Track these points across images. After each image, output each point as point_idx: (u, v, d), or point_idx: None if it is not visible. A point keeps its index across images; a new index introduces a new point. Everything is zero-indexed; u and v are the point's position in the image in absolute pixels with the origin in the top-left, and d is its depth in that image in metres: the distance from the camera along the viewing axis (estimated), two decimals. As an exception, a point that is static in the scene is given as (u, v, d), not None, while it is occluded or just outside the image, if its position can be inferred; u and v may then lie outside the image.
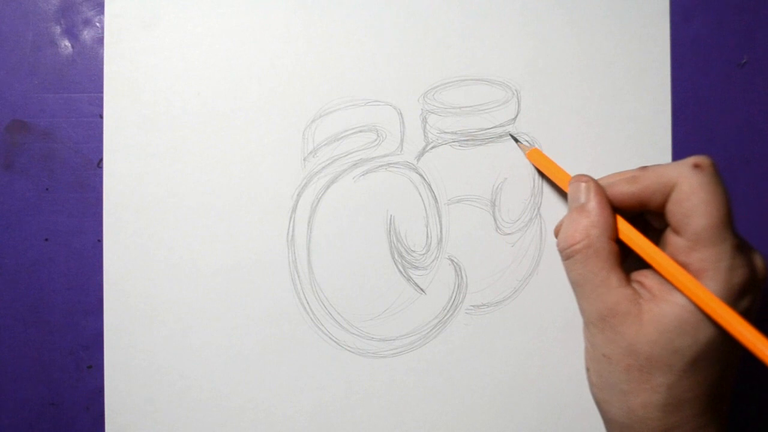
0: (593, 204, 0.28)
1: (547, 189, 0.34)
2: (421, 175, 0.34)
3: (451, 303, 0.34)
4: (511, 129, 0.34)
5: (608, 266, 0.27)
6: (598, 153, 0.34)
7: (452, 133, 0.34)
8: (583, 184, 0.29)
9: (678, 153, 0.34)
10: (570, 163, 0.34)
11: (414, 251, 0.34)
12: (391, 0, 0.34)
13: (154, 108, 0.34)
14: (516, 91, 0.34)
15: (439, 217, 0.34)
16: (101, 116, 0.34)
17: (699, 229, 0.25)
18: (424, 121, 0.34)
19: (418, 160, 0.34)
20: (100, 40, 0.35)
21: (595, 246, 0.27)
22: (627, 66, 0.34)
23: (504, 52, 0.34)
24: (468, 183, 0.34)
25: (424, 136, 0.34)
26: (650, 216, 0.29)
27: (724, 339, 0.25)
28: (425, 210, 0.34)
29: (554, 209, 0.34)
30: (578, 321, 0.34)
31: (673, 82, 0.34)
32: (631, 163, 0.34)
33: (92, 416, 0.34)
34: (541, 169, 0.33)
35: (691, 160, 0.26)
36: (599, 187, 0.28)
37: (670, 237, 0.27)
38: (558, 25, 0.34)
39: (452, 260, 0.34)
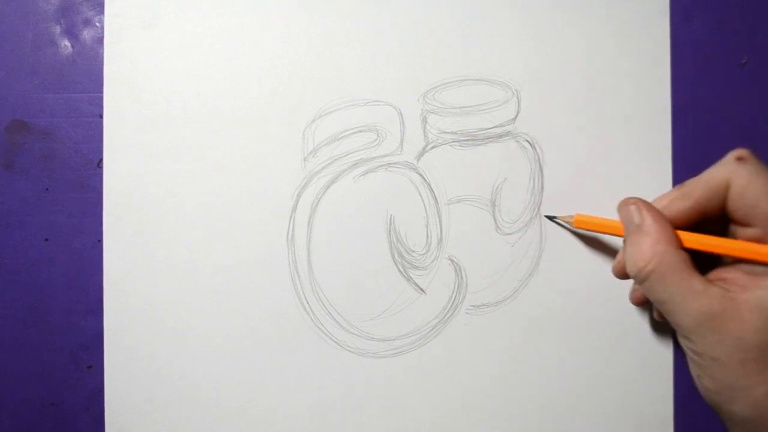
0: (649, 221, 0.28)
1: (547, 189, 0.34)
2: (421, 175, 0.34)
3: (451, 303, 0.34)
4: (511, 128, 0.34)
5: (686, 274, 0.26)
6: (598, 153, 0.34)
7: (452, 133, 0.34)
8: (632, 207, 0.29)
9: (678, 153, 0.34)
10: (570, 163, 0.34)
11: (414, 251, 0.34)
12: (391, 0, 0.34)
13: (154, 108, 0.34)
14: (516, 91, 0.34)
15: (439, 217, 0.34)
16: (101, 116, 0.34)
17: None
18: (424, 121, 0.34)
19: (418, 160, 0.34)
20: (100, 40, 0.35)
21: (665, 260, 0.27)
22: (627, 66, 0.34)
23: (504, 52, 0.34)
24: (468, 183, 0.34)
25: (424, 136, 0.34)
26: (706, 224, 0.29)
27: None
28: (425, 210, 0.34)
29: (554, 209, 0.34)
30: (578, 321, 0.34)
31: (673, 82, 0.34)
32: (631, 163, 0.34)
33: (92, 416, 0.34)
34: (594, 230, 0.32)
35: (733, 155, 0.27)
36: (649, 204, 0.29)
37: (739, 232, 0.27)
38: (558, 25, 0.34)
39: (452, 260, 0.34)
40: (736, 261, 0.28)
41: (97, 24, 0.35)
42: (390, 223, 0.34)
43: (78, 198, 0.34)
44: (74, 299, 0.34)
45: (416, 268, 0.34)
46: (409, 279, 0.34)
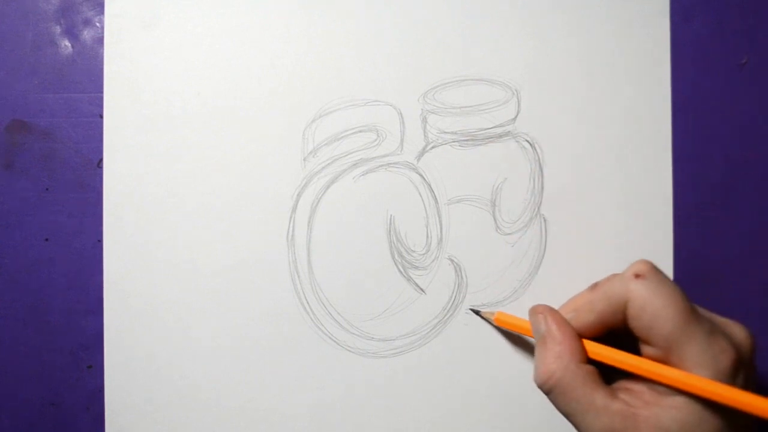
0: (553, 329, 0.28)
1: (547, 189, 0.34)
2: (421, 175, 0.34)
3: (451, 303, 0.34)
4: (511, 128, 0.34)
5: (589, 389, 0.26)
6: (598, 153, 0.34)
7: (452, 133, 0.34)
8: (540, 315, 0.29)
9: (678, 153, 0.34)
10: (570, 163, 0.34)
11: (414, 251, 0.34)
12: (391, 0, 0.34)
13: (154, 108, 0.34)
14: (516, 91, 0.34)
15: (439, 217, 0.34)
16: (101, 116, 0.34)
17: (666, 334, 0.25)
18: (424, 121, 0.34)
19: (418, 160, 0.34)
20: (100, 40, 0.35)
21: (567, 375, 0.27)
22: (627, 66, 0.34)
23: (504, 52, 0.34)
24: (468, 183, 0.34)
25: (424, 136, 0.34)
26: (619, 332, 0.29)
27: (729, 427, 0.25)
28: (425, 210, 0.34)
29: (554, 209, 0.34)
30: (578, 321, 0.34)
31: (673, 82, 0.34)
32: (631, 162, 0.34)
33: (92, 416, 0.34)
34: (513, 330, 0.32)
35: (631, 271, 0.27)
36: (555, 313, 0.29)
37: (643, 349, 0.27)
38: (558, 25, 0.34)
39: (452, 260, 0.34)
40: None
41: (97, 24, 0.35)
42: (390, 223, 0.34)
43: (78, 198, 0.34)
44: (74, 299, 0.34)
45: (416, 268, 0.34)
46: (409, 279, 0.34)
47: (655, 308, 0.26)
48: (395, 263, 0.34)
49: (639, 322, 0.26)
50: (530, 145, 0.34)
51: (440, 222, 0.34)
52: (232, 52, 0.34)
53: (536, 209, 0.34)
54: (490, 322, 0.33)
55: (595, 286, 0.28)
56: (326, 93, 0.34)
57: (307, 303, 0.34)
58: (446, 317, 0.34)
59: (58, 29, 0.35)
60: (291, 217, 0.34)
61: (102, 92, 0.34)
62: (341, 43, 0.34)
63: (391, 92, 0.34)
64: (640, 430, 0.25)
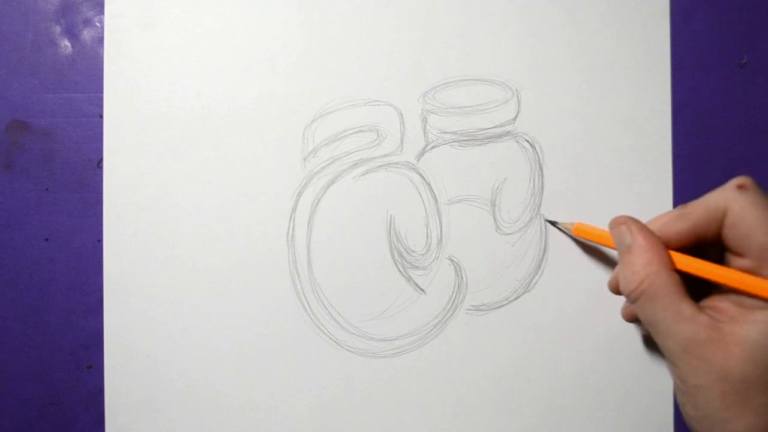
0: (640, 241, 0.28)
1: (547, 189, 0.34)
2: (421, 175, 0.34)
3: (451, 303, 0.34)
4: (511, 128, 0.34)
5: (677, 298, 0.26)
6: (598, 153, 0.34)
7: (452, 133, 0.34)
8: (623, 227, 0.29)
9: (678, 153, 0.34)
10: (570, 163, 0.34)
11: (414, 251, 0.34)
12: (391, 0, 0.34)
13: (154, 108, 0.34)
14: (516, 91, 0.34)
15: (439, 217, 0.34)
16: (101, 116, 0.34)
17: (763, 244, 0.25)
18: (424, 121, 0.34)
19: (418, 160, 0.34)
20: (100, 40, 0.35)
21: (657, 282, 0.27)
22: (627, 66, 0.34)
23: (504, 52, 0.34)
24: (468, 183, 0.34)
25: (424, 136, 0.34)
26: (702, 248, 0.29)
27: None
28: (425, 210, 0.34)
29: (554, 209, 0.34)
30: (578, 321, 0.34)
31: (673, 82, 0.34)
32: (631, 163, 0.34)
33: (92, 416, 0.34)
34: (593, 240, 0.32)
35: (734, 182, 0.27)
36: (640, 224, 0.28)
37: (733, 261, 0.27)
38: (558, 25, 0.34)
39: (452, 260, 0.34)
40: (729, 289, 0.28)
41: (97, 24, 0.35)
42: (390, 223, 0.34)
43: (78, 198, 0.34)
44: (74, 299, 0.34)
45: (416, 268, 0.34)
46: (409, 279, 0.34)
47: (755, 218, 0.26)
48: (395, 263, 0.34)
49: (736, 231, 0.26)
50: (530, 145, 0.34)
51: (440, 222, 0.34)
52: (232, 52, 0.34)
53: (536, 209, 0.34)
54: (568, 234, 0.33)
55: (686, 204, 0.28)
56: (326, 93, 0.34)
57: (307, 303, 0.34)
58: (446, 317, 0.34)
59: (58, 29, 0.35)
60: (291, 217, 0.34)
61: (102, 92, 0.34)
62: (341, 43, 0.34)
63: (391, 92, 0.34)
64: (726, 343, 0.25)
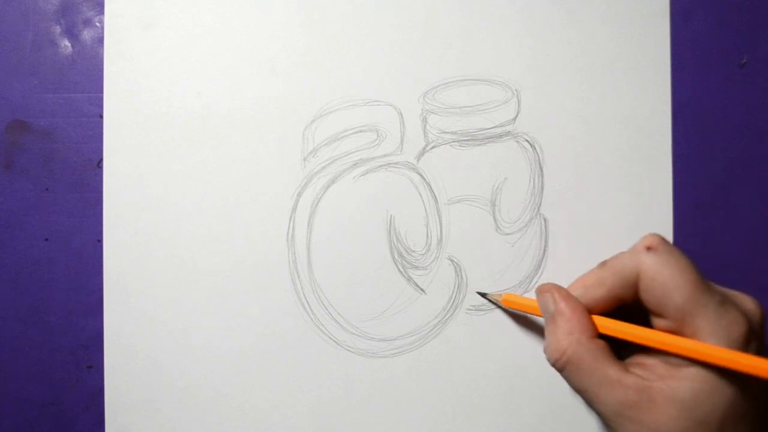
0: (562, 307, 0.28)
1: (547, 189, 0.34)
2: (421, 175, 0.34)
3: (451, 303, 0.34)
4: (511, 128, 0.34)
5: (601, 364, 0.26)
6: (598, 153, 0.34)
7: (452, 133, 0.34)
8: (547, 294, 0.29)
9: (678, 153, 0.34)
10: (570, 163, 0.34)
11: (414, 251, 0.34)
12: (391, 0, 0.34)
13: (154, 108, 0.34)
14: (516, 91, 0.34)
15: (439, 217, 0.34)
16: (101, 116, 0.34)
17: (678, 305, 0.25)
18: (424, 121, 0.34)
19: (418, 160, 0.34)
20: (100, 40, 0.35)
21: (579, 350, 0.27)
22: (627, 66, 0.34)
23: (504, 52, 0.34)
24: (468, 183, 0.34)
25: (424, 136, 0.34)
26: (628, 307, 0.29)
27: (742, 395, 0.25)
28: (425, 210, 0.34)
29: (554, 209, 0.34)
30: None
31: (673, 82, 0.34)
32: (631, 163, 0.34)
33: (92, 416, 0.34)
34: (520, 310, 0.32)
35: (642, 244, 0.27)
36: (564, 292, 0.29)
37: (655, 322, 0.27)
38: (558, 25, 0.34)
39: (452, 260, 0.34)
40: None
41: (97, 24, 0.35)
42: (390, 223, 0.34)
43: (78, 198, 0.34)
44: (74, 299, 0.34)
45: (416, 268, 0.34)
46: (409, 279, 0.34)
47: (667, 279, 0.26)
48: (395, 263, 0.34)
49: (651, 294, 0.26)
50: (530, 145, 0.34)
51: (440, 222, 0.34)
52: (232, 52, 0.34)
53: (536, 209, 0.34)
54: (497, 305, 0.33)
55: (604, 264, 0.28)
56: (326, 93, 0.34)
57: (307, 303, 0.34)
58: (446, 317, 0.34)
59: (58, 29, 0.35)
60: (291, 217, 0.34)
61: (102, 92, 0.34)
62: (341, 43, 0.34)
63: (391, 92, 0.34)
64: (655, 402, 0.25)
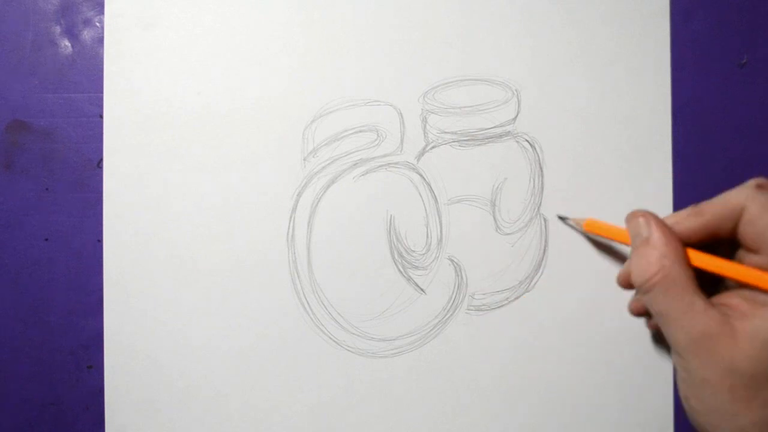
0: (657, 235, 0.28)
1: (547, 189, 0.34)
2: (421, 175, 0.34)
3: (450, 303, 0.34)
4: (511, 128, 0.34)
5: (690, 291, 0.27)
6: (598, 153, 0.34)
7: (452, 133, 0.34)
8: (641, 219, 0.29)
9: (678, 153, 0.34)
10: (570, 163, 0.34)
11: (414, 251, 0.34)
12: (391, 0, 0.34)
13: (154, 108, 0.34)
14: (516, 91, 0.34)
15: (439, 217, 0.34)
16: (101, 116, 0.34)
17: None
18: (424, 121, 0.34)
19: (418, 160, 0.34)
20: (100, 40, 0.35)
21: (672, 274, 0.27)
22: (627, 66, 0.34)
23: (504, 52, 0.34)
24: (468, 183, 0.34)
25: (424, 136, 0.34)
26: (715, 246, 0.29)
27: None
28: (425, 210, 0.34)
29: (554, 209, 0.34)
30: (578, 321, 0.34)
31: (673, 82, 0.34)
32: (631, 163, 0.34)
33: (92, 416, 0.34)
34: (603, 236, 0.32)
35: (754, 182, 0.28)
36: (658, 218, 0.29)
37: (747, 258, 0.28)
38: (558, 25, 0.34)
39: (452, 260, 0.34)
40: (740, 286, 0.28)
41: (97, 24, 0.35)
42: (390, 223, 0.34)
43: (78, 198, 0.34)
44: (74, 299, 0.34)
45: (416, 268, 0.34)
46: (409, 279, 0.34)
47: None
48: (395, 263, 0.34)
49: (753, 228, 0.27)
50: (530, 145, 0.34)
51: (440, 222, 0.34)
52: (232, 52, 0.34)
53: (536, 209, 0.34)
54: (577, 229, 0.33)
55: (703, 202, 0.29)
56: (326, 93, 0.34)
57: (307, 303, 0.34)
58: (446, 317, 0.34)
59: (58, 29, 0.35)
60: (291, 217, 0.34)
61: (102, 92, 0.34)
62: (341, 43, 0.34)
63: (391, 92, 0.34)
64: (735, 338, 0.25)
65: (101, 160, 0.34)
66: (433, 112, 0.34)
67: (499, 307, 0.34)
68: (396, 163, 0.34)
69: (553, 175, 0.34)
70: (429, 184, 0.34)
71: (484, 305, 0.34)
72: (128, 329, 0.34)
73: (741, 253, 0.28)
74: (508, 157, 0.34)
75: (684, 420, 0.33)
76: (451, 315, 0.34)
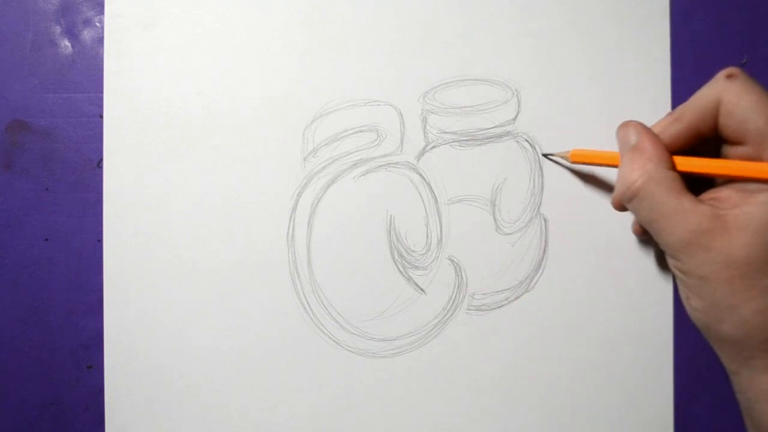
0: (644, 140, 0.28)
1: (547, 189, 0.34)
2: (421, 175, 0.34)
3: (450, 303, 0.34)
4: (511, 128, 0.34)
5: (675, 192, 0.26)
6: (598, 153, 0.34)
7: (452, 133, 0.34)
8: (631, 127, 0.29)
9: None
10: (570, 163, 0.34)
11: (414, 251, 0.34)
12: (391, 0, 0.34)
13: (154, 108, 0.34)
14: (516, 91, 0.34)
15: (439, 216, 0.34)
16: (101, 116, 0.34)
17: (760, 127, 0.25)
18: (424, 121, 0.34)
19: (418, 160, 0.34)
20: (100, 40, 0.35)
21: (655, 177, 0.27)
22: (627, 66, 0.34)
23: (504, 52, 0.34)
24: (468, 183, 0.34)
25: (424, 136, 0.34)
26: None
27: None
28: (425, 210, 0.34)
29: (554, 209, 0.34)
30: (578, 321, 0.34)
31: (673, 82, 0.34)
32: (631, 163, 0.34)
33: (92, 416, 0.34)
34: (592, 162, 0.32)
35: (723, 73, 0.27)
36: (646, 127, 0.29)
37: (731, 152, 0.27)
38: (558, 25, 0.34)
39: (452, 260, 0.34)
40: (729, 181, 0.27)
41: (97, 24, 0.35)
42: (390, 223, 0.34)
43: (78, 198, 0.34)
44: (74, 299, 0.34)
45: (416, 268, 0.34)
46: (409, 279, 0.34)
47: (749, 103, 0.26)
48: (395, 263, 0.34)
49: (732, 119, 0.26)
50: (530, 145, 0.34)
51: (440, 222, 0.34)
52: (232, 52, 0.34)
53: (536, 209, 0.34)
54: (564, 165, 0.33)
55: (676, 109, 0.29)
56: (326, 93, 0.34)
57: (307, 303, 0.34)
58: (446, 317, 0.34)
59: (58, 29, 0.35)
60: (291, 217, 0.34)
61: (102, 92, 0.34)
62: (341, 43, 0.34)
63: (391, 92, 0.34)
64: (728, 229, 0.25)
65: (101, 160, 0.34)
66: (433, 112, 0.34)
67: (499, 307, 0.34)
68: (396, 163, 0.34)
69: (553, 175, 0.34)
70: (429, 184, 0.34)
71: (484, 305, 0.34)
72: (128, 329, 0.34)
73: (726, 149, 0.28)
74: (508, 157, 0.34)
75: (684, 420, 0.33)
76: (451, 315, 0.34)
